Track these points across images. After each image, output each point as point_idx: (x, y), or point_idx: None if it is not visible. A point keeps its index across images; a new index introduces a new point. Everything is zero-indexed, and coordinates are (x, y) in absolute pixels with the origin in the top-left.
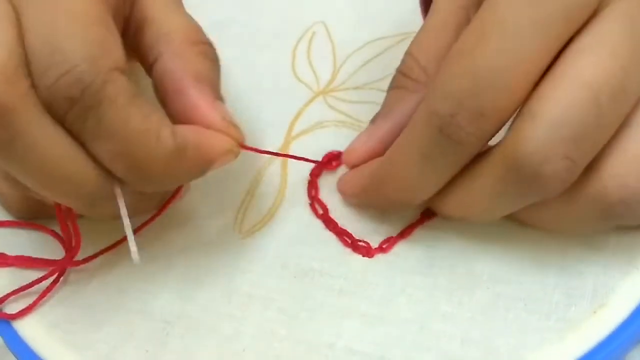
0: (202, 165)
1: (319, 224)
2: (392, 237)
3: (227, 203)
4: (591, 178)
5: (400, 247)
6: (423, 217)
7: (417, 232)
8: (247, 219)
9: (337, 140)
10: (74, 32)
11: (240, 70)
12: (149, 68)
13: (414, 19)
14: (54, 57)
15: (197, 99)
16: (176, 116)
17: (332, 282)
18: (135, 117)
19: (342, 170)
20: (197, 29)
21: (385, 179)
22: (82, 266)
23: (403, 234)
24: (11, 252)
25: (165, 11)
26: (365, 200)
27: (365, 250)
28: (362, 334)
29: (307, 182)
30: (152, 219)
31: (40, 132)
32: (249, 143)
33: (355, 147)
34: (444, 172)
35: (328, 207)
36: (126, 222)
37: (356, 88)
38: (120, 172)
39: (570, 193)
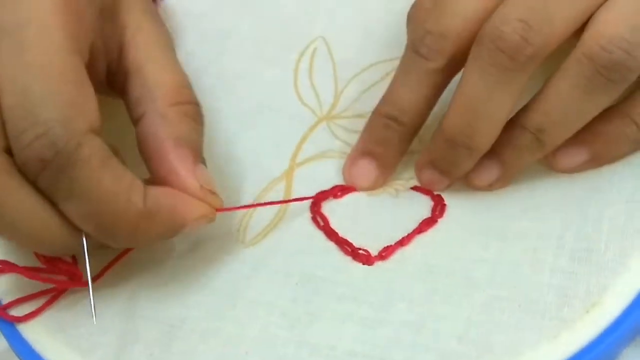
0: (174, 228)
1: (320, 235)
2: (391, 245)
3: (229, 215)
4: None
5: (399, 255)
6: (421, 225)
7: (416, 240)
8: (250, 230)
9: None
10: (48, 93)
11: (243, 86)
12: (134, 122)
13: None
14: (28, 119)
15: (176, 165)
16: (157, 178)
17: (334, 288)
18: (106, 180)
19: (346, 201)
20: (183, 86)
21: (475, 119)
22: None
23: (402, 241)
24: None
25: (154, 61)
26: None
27: (365, 258)
28: (363, 337)
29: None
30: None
31: (10, 193)
32: (253, 166)
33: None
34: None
35: (329, 219)
36: (89, 281)
37: (359, 116)
38: (90, 230)
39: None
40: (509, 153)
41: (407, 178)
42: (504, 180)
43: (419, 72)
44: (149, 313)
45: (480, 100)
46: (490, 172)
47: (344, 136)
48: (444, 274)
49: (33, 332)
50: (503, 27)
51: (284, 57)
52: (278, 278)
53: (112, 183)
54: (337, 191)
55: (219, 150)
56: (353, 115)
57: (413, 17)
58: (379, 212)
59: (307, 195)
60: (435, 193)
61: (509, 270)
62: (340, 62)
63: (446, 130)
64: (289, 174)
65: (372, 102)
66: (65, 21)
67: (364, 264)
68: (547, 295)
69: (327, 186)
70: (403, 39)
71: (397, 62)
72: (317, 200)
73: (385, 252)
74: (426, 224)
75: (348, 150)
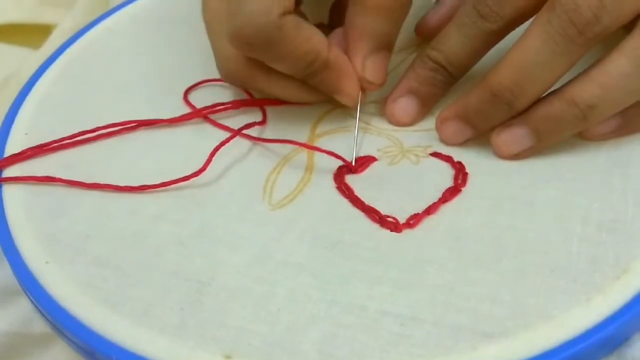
0: (335, 85)
1: (346, 202)
2: (418, 213)
3: (254, 179)
4: None
5: (426, 223)
6: (445, 194)
7: (443, 210)
8: (275, 193)
9: (361, 143)
10: None
11: None
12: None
13: None
14: (239, 10)
15: (352, 54)
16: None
17: (362, 252)
18: (300, 44)
19: (368, 172)
20: None
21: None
22: (115, 229)
23: (429, 210)
24: None
25: None
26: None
27: (394, 226)
28: (394, 297)
29: (332, 173)
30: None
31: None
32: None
33: (429, 17)
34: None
35: (354, 189)
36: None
37: (374, 102)
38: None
39: None
40: (548, 126)
41: (425, 145)
42: (534, 151)
43: (475, 30)
44: (177, 269)
45: (538, 65)
46: (523, 142)
47: (361, 117)
48: (472, 241)
49: (60, 288)
50: (579, 0)
51: None
52: (306, 241)
53: (306, 43)
54: (359, 164)
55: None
56: (368, 101)
57: None
58: (402, 181)
59: (328, 165)
60: (456, 160)
61: (538, 238)
62: None
63: (494, 84)
64: (309, 142)
65: (385, 89)
66: None
67: (392, 231)
68: (577, 263)
69: (346, 155)
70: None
71: (406, 54)
72: (340, 173)
73: (413, 220)
74: (450, 193)
75: (365, 126)
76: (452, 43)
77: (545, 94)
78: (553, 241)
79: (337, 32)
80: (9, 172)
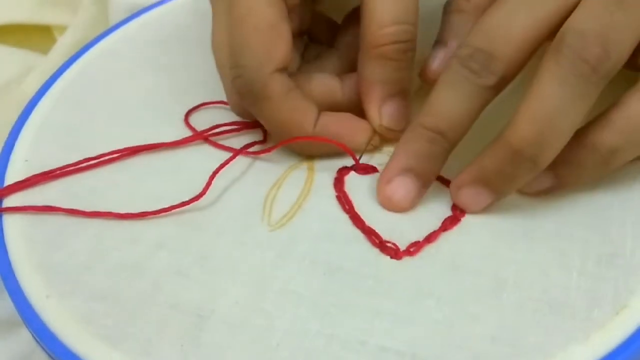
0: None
1: (346, 218)
2: (418, 241)
3: (253, 197)
4: None
5: (426, 252)
6: (445, 223)
7: (442, 238)
8: (275, 211)
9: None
10: (245, 43)
11: None
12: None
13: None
14: (232, 62)
15: (366, 104)
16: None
17: (362, 281)
18: (284, 111)
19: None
20: (393, 22)
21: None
22: (115, 259)
23: (429, 238)
24: None
25: None
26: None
27: (394, 252)
28: (393, 333)
29: (333, 180)
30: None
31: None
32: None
33: (433, 63)
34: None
35: (354, 204)
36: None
37: None
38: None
39: None
40: (569, 171)
41: None
42: (555, 191)
43: (469, 87)
44: (176, 301)
45: (559, 111)
46: (542, 183)
47: None
48: (471, 273)
49: (60, 323)
50: (584, 38)
51: None
52: (305, 266)
53: (289, 113)
54: (360, 169)
55: None
56: None
57: (445, 14)
58: None
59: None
60: None
61: (537, 272)
62: None
63: (515, 140)
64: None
65: None
66: None
67: (392, 257)
68: (575, 298)
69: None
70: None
71: None
72: (340, 177)
73: (414, 248)
74: (450, 222)
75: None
76: (448, 105)
77: None
78: (552, 275)
79: (351, 77)
80: (10, 200)
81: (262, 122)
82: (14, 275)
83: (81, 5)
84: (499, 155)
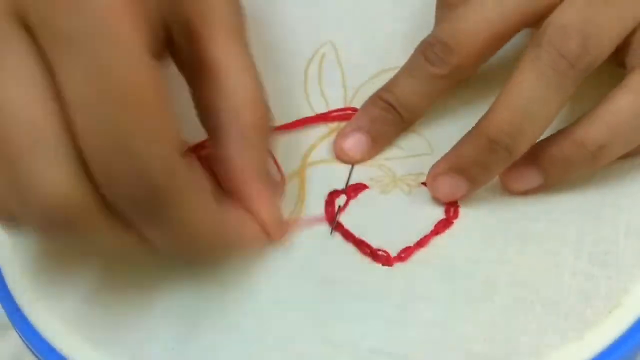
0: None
1: (337, 235)
2: (409, 246)
3: None
4: None
5: (418, 256)
6: (437, 227)
7: (434, 242)
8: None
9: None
10: (133, 122)
11: None
12: (206, 128)
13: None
14: (118, 156)
15: (255, 200)
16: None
17: (355, 289)
18: (199, 210)
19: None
20: (261, 95)
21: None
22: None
23: (420, 243)
24: None
25: (233, 60)
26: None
27: (385, 259)
28: (386, 335)
29: (324, 201)
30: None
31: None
32: None
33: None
34: None
35: (344, 222)
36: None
37: None
38: (167, 250)
39: None
40: (556, 167)
41: (418, 173)
42: (543, 189)
43: (423, 74)
44: (166, 307)
45: (534, 102)
46: (531, 181)
47: None
48: (464, 275)
49: (50, 327)
50: (564, 34)
51: (293, 63)
52: (298, 278)
53: (203, 212)
54: (350, 191)
55: None
56: None
57: (438, 8)
58: (393, 212)
59: (320, 193)
60: None
61: (528, 273)
62: (348, 69)
63: (490, 129)
64: (301, 171)
65: None
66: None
67: (383, 264)
68: (568, 297)
69: (339, 186)
70: (410, 47)
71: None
72: (331, 199)
73: (405, 254)
74: (442, 226)
75: None
76: (403, 86)
77: (551, 134)
78: (544, 275)
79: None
80: None
81: (159, 230)
82: (2, 277)
83: None
84: (475, 144)
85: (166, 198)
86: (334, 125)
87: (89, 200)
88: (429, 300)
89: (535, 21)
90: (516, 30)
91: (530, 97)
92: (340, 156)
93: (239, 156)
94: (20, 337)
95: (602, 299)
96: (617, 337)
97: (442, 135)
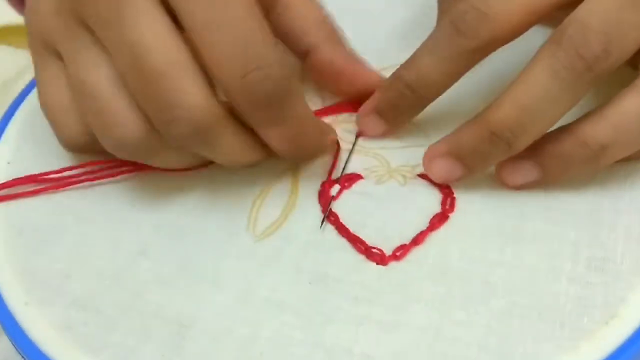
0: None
1: (331, 229)
2: (405, 244)
3: (238, 206)
4: None
5: (413, 255)
6: (433, 222)
7: (430, 239)
8: (260, 221)
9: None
10: (263, 40)
11: None
12: (298, 53)
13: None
14: (248, 61)
15: (367, 77)
16: (340, 90)
17: (348, 289)
18: (307, 108)
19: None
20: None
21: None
22: (95, 267)
23: (416, 241)
24: None
25: None
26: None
27: (380, 258)
28: (378, 341)
29: (317, 192)
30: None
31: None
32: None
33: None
34: None
35: (339, 214)
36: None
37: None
38: (284, 149)
39: None
40: (556, 163)
41: (414, 164)
42: (539, 184)
43: (452, 48)
44: (157, 310)
45: (543, 102)
46: (528, 176)
47: (350, 138)
48: (459, 277)
49: (40, 332)
50: (587, 34)
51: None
52: (290, 275)
53: (310, 110)
54: (344, 180)
55: None
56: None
57: None
58: (388, 204)
59: (314, 184)
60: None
61: (525, 276)
62: None
63: (494, 122)
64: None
65: None
66: None
67: (378, 263)
68: (565, 305)
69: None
70: (408, 46)
71: None
72: (325, 190)
73: (400, 252)
74: (438, 221)
75: (350, 147)
76: (426, 62)
77: (553, 129)
78: (541, 280)
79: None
80: None
81: (279, 127)
82: None
83: None
84: (477, 133)
85: (286, 98)
86: (328, 119)
87: (220, 110)
88: (423, 302)
89: (568, 5)
90: (552, 8)
91: (541, 96)
92: (362, 132)
93: (336, 50)
94: (10, 341)
95: (600, 308)
96: (613, 349)
97: (441, 127)
